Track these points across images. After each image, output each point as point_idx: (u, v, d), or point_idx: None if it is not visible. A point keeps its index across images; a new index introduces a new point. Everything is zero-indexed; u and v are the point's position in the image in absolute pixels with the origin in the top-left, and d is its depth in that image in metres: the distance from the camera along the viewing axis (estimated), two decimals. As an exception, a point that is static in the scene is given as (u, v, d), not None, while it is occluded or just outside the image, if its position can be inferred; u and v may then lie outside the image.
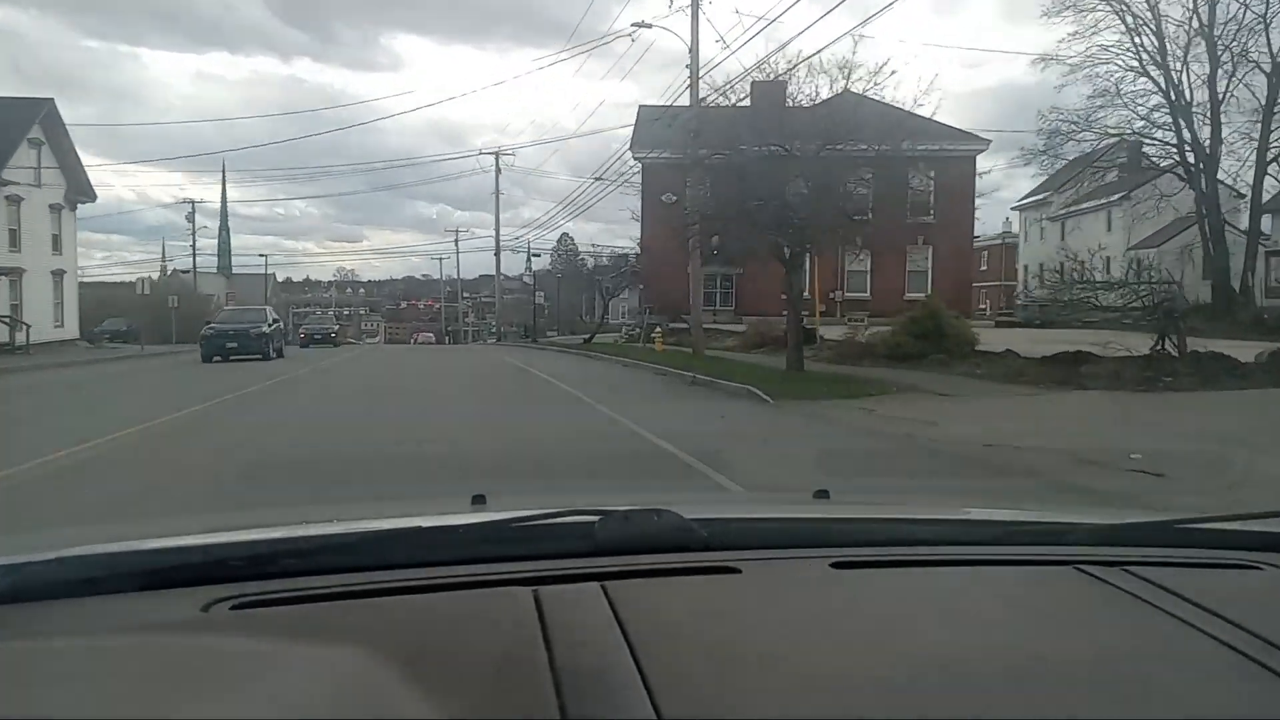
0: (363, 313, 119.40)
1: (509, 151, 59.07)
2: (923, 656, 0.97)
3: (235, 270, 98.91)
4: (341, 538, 1.35)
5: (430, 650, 0.94)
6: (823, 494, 1.79)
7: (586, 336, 37.02)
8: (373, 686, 0.86)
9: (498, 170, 54.80)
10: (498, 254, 59.27)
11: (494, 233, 58.52)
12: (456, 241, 72.77)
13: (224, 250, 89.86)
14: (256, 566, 1.16)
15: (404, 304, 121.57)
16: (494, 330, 68.02)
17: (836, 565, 1.25)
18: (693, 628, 1.03)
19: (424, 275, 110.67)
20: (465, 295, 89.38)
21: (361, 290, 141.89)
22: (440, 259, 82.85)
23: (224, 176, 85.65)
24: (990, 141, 35.04)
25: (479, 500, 1.65)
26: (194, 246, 62.88)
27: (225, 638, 1.00)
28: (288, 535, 1.38)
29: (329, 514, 1.62)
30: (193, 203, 63.04)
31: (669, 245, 27.11)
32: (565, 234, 58.41)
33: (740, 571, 1.21)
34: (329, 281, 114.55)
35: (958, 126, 31.94)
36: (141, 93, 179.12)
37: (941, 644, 1.01)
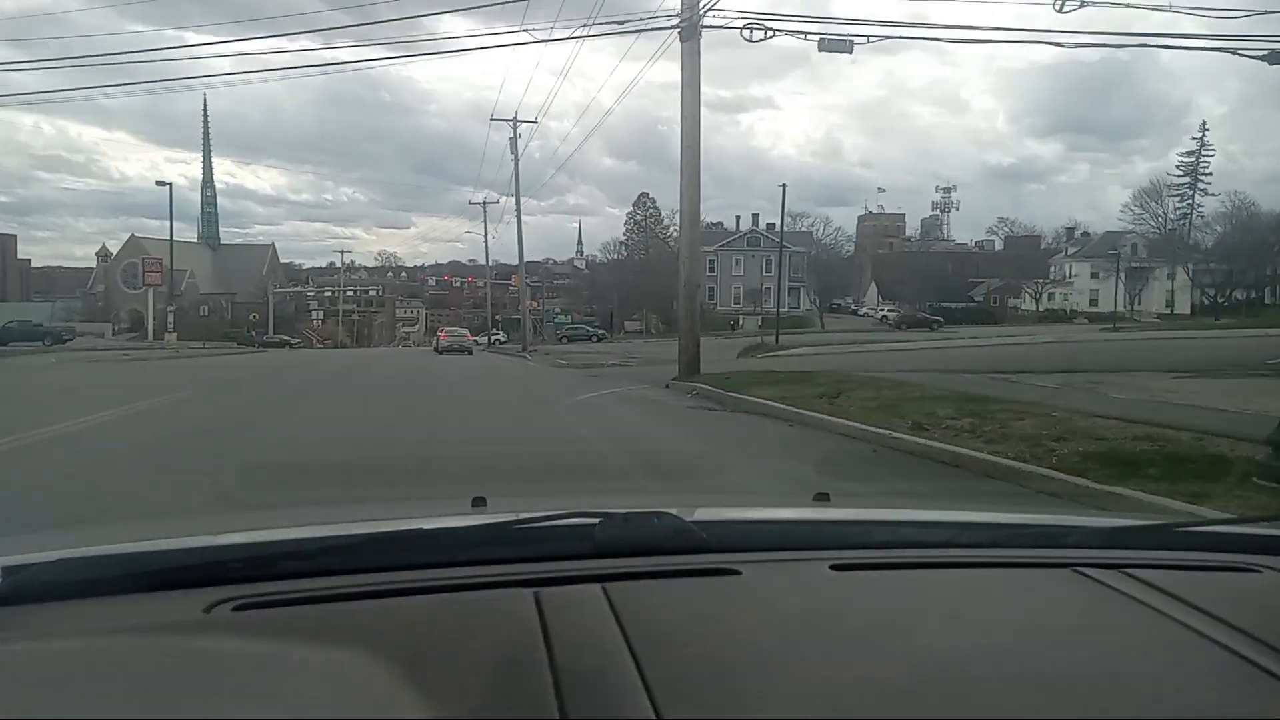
0: (375, 292, 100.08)
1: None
2: (922, 659, 0.98)
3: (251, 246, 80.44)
4: (344, 539, 1.35)
5: (431, 651, 0.95)
6: (823, 496, 1.78)
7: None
8: (374, 687, 0.87)
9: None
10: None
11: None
12: (516, 147, 42.13)
13: (209, 218, 73.26)
14: (259, 568, 1.16)
15: (434, 281, 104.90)
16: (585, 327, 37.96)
17: (836, 567, 1.24)
18: (693, 629, 1.04)
19: (470, 261, 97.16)
20: (507, 284, 68.27)
21: (404, 275, 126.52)
22: (490, 200, 57.88)
23: (206, 126, 69.29)
24: None
25: (480, 502, 1.63)
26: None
27: (228, 639, 1.00)
28: (290, 537, 1.38)
29: (331, 516, 1.64)
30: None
31: None
32: (644, 193, 41.59)
33: (740, 573, 1.20)
34: (340, 262, 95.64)
35: None
36: (184, 75, 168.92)
37: (941, 646, 1.02)
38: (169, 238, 48.57)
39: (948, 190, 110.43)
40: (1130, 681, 0.95)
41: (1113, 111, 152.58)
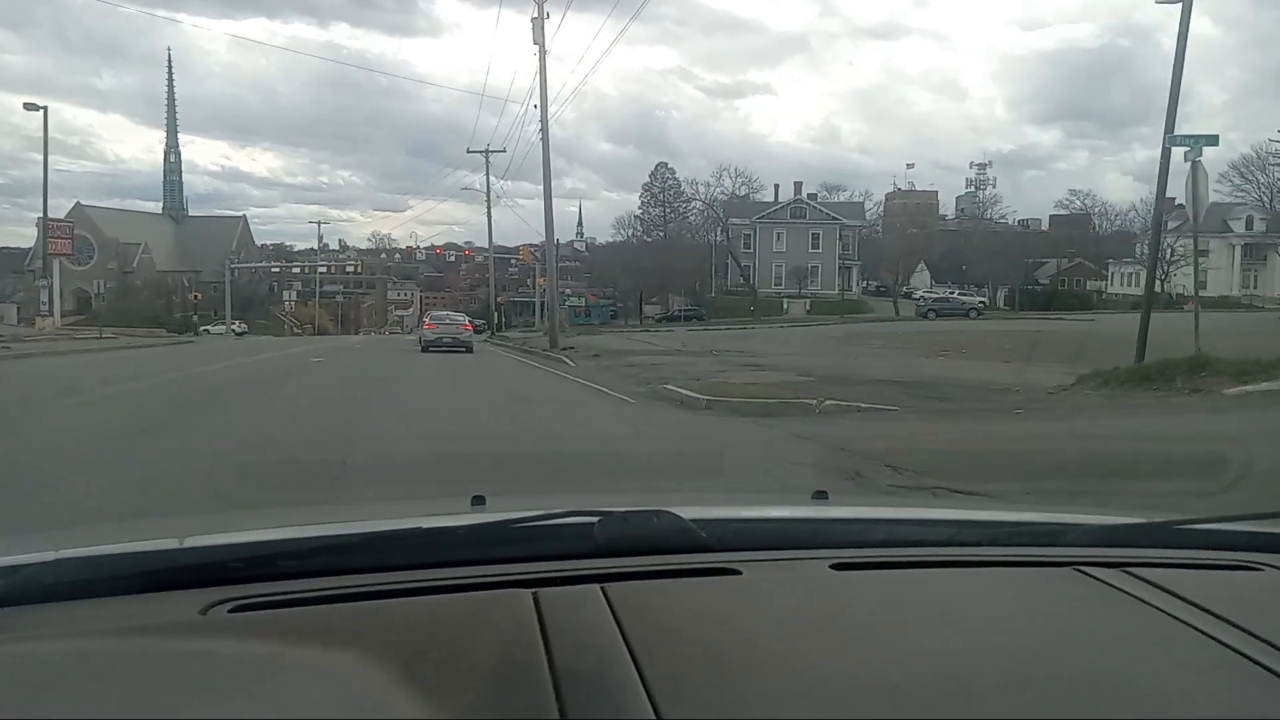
0: (353, 270, 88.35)
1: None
2: (922, 658, 0.98)
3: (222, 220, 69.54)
4: (341, 539, 1.34)
5: (430, 652, 0.95)
6: (822, 495, 1.76)
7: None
8: (372, 689, 0.88)
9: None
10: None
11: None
12: (541, 32, 26.83)
13: (173, 186, 62.96)
14: (256, 568, 1.16)
15: (425, 256, 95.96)
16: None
17: (836, 566, 1.24)
18: (692, 629, 1.04)
19: (467, 242, 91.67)
20: (509, 258, 56.54)
21: (397, 256, 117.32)
22: (496, 150, 43.33)
23: (170, 82, 58.76)
24: None
25: (479, 501, 1.62)
26: None
27: (224, 640, 1.01)
28: (287, 537, 1.37)
29: (329, 515, 1.60)
30: None
31: None
32: (662, 163, 33.55)
33: (740, 573, 1.20)
34: (319, 234, 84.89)
35: None
36: (179, 59, 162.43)
37: (941, 645, 1.02)
38: (43, 183, 37.44)
39: (983, 166, 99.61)
40: (1131, 680, 0.95)
41: (1112, 98, 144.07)
